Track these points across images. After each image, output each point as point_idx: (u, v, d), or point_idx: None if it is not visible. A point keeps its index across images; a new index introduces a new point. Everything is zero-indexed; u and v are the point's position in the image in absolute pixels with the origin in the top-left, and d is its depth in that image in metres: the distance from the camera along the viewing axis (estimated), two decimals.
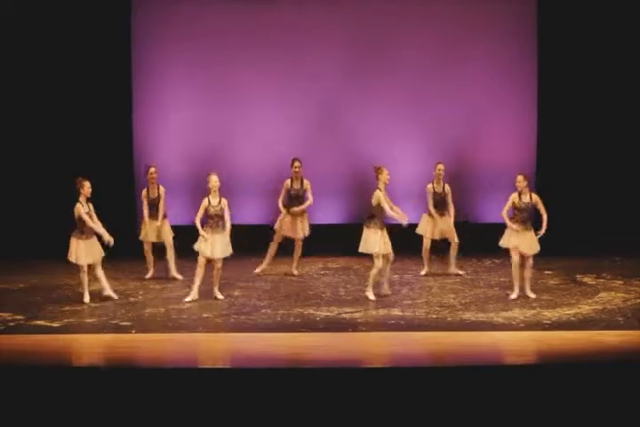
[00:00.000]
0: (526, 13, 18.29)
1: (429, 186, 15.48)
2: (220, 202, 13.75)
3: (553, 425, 9.32)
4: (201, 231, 13.61)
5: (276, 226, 15.54)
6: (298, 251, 15.64)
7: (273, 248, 15.62)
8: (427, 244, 15.45)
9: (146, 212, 15.13)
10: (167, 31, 18.29)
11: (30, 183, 17.56)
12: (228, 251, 13.80)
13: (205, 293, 13.98)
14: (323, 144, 18.20)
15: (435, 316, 12.79)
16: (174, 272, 15.24)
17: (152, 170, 15.21)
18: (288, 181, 15.47)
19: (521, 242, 13.67)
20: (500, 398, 9.48)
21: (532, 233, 13.72)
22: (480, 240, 15.66)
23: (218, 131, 18.36)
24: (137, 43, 18.23)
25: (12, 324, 12.50)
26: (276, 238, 15.59)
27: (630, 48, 17.95)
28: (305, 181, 15.48)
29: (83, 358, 11.37)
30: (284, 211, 15.40)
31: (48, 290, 14.00)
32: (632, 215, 17.82)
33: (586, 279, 15.06)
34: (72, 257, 13.56)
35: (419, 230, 15.55)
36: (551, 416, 9.35)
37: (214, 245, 13.67)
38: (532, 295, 13.73)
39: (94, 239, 13.63)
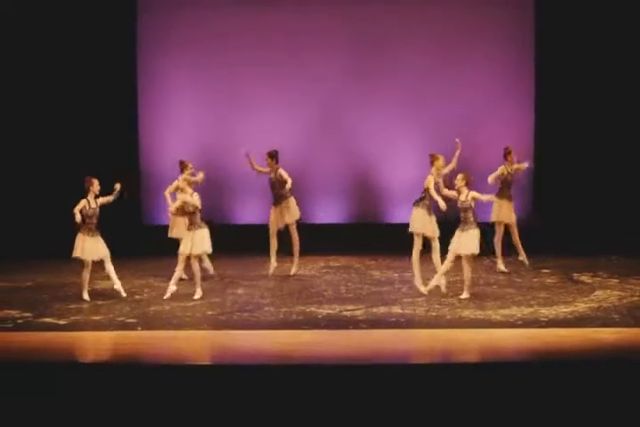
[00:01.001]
0: (524, 17, 18.31)
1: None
2: (192, 196, 13.84)
3: (550, 421, 9.32)
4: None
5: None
6: (294, 236, 15.43)
7: (273, 243, 15.52)
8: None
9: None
10: (172, 35, 18.31)
11: (37, 183, 17.57)
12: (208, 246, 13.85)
13: (208, 291, 14.01)
14: (324, 144, 18.21)
15: (434, 313, 12.79)
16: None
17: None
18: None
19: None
20: (498, 395, 9.48)
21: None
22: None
23: (221, 131, 18.37)
24: (142, 46, 18.26)
25: (20, 321, 12.52)
26: (272, 233, 15.48)
27: (627, 52, 17.95)
28: (279, 171, 15.33)
29: (89, 355, 11.37)
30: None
31: (55, 288, 14.01)
32: (628, 215, 17.82)
33: (582, 278, 15.06)
34: (77, 252, 13.57)
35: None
36: (548, 412, 9.35)
37: (193, 240, 13.73)
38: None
39: (99, 237, 13.65)
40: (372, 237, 17.09)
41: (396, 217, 17.78)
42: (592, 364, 10.21)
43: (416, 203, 13.82)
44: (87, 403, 9.47)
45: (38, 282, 14.67)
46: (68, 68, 17.84)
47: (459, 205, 13.57)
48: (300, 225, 15.62)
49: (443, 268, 13.66)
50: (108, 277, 13.86)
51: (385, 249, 16.38)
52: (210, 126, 18.38)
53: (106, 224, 14.94)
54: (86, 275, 13.64)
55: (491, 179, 15.34)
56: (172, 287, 13.75)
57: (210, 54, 18.34)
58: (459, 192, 13.59)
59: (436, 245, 13.88)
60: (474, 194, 13.48)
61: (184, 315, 12.83)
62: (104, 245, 13.68)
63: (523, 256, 15.50)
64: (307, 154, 16.99)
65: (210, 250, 13.85)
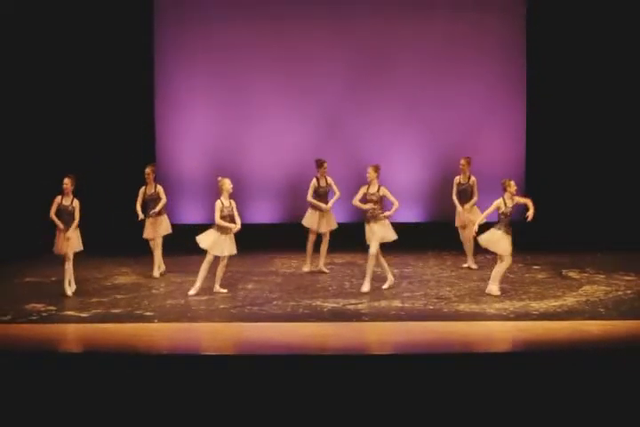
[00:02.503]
0: (515, 29, 18.26)
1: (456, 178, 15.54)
2: (230, 204, 13.72)
3: (541, 407, 9.31)
4: (227, 225, 13.55)
5: (309, 224, 15.40)
6: (325, 245, 15.31)
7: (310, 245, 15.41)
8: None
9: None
10: (186, 46, 18.30)
11: (61, 184, 17.55)
12: (234, 250, 13.75)
13: (221, 285, 14.00)
14: (329, 149, 18.16)
15: (432, 307, 12.78)
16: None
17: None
18: (315, 181, 15.31)
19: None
20: (491, 383, 9.48)
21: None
22: (473, 238, 15.57)
23: (232, 136, 18.37)
24: (159, 56, 18.27)
25: (44, 314, 12.53)
26: (312, 236, 15.36)
27: (618, 58, 17.90)
28: (328, 179, 15.29)
29: (109, 346, 11.37)
30: (323, 207, 15.15)
31: (77, 283, 13.99)
32: (612, 215, 17.80)
33: (571, 274, 15.03)
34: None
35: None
36: (538, 399, 9.35)
37: (224, 243, 13.64)
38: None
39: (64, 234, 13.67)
40: None
41: (396, 217, 17.74)
42: (580, 354, 10.22)
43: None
44: (108, 390, 9.47)
45: (62, 277, 14.65)
46: (91, 76, 17.85)
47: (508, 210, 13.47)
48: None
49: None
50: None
51: (386, 247, 16.31)
52: (221, 131, 18.38)
53: (125, 223, 15.04)
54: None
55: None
56: (217, 287, 13.81)
57: (221, 64, 18.32)
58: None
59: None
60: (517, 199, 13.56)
61: (198, 308, 12.83)
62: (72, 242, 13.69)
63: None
64: (311, 160, 16.87)
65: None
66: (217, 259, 13.72)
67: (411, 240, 15.74)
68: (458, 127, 18.34)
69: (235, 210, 13.68)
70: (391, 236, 14.01)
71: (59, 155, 17.60)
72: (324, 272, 15.28)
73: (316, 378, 9.58)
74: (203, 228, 13.89)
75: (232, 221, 13.64)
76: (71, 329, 11.69)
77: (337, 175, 17.88)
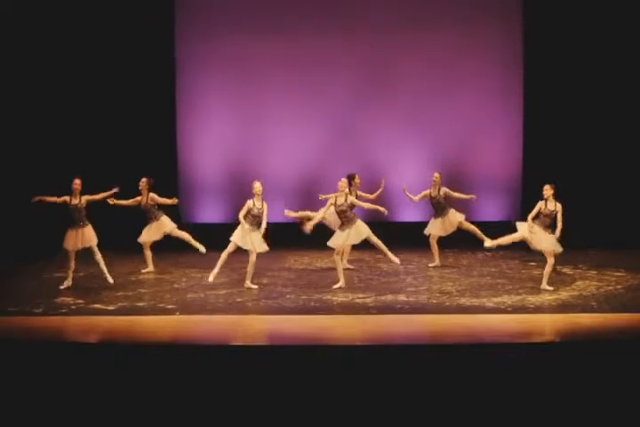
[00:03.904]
0: (513, 40, 18.25)
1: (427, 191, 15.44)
2: (262, 205, 13.71)
3: (537, 395, 9.32)
4: (243, 222, 13.57)
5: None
6: (380, 245, 14.79)
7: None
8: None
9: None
10: (206, 55, 18.38)
11: (91, 184, 17.59)
12: (264, 247, 13.75)
13: (237, 281, 14.04)
14: (338, 154, 18.22)
15: (435, 301, 12.79)
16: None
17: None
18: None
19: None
20: (490, 372, 9.49)
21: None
22: (474, 236, 15.59)
23: (249, 140, 18.42)
24: (180, 64, 18.38)
25: (73, 307, 12.57)
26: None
27: (612, 66, 17.87)
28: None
29: (134, 337, 11.40)
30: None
31: (104, 278, 14.03)
32: (604, 215, 17.78)
33: (565, 270, 15.01)
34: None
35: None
36: (536, 386, 9.36)
37: (251, 239, 13.64)
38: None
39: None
40: (382, 233, 17.04)
41: (402, 217, 17.79)
42: (573, 344, 10.23)
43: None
44: (133, 378, 9.51)
45: (90, 273, 14.70)
46: (118, 85, 17.98)
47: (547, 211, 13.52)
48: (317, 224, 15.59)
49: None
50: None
51: (392, 244, 16.32)
52: (238, 135, 18.44)
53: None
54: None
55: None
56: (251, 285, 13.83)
57: (238, 73, 18.37)
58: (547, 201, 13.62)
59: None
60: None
61: (217, 302, 12.86)
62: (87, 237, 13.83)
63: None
64: (323, 162, 16.98)
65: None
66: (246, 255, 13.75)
67: (415, 238, 15.76)
68: (459, 131, 18.35)
69: (264, 212, 13.64)
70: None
71: (86, 157, 17.68)
72: (349, 269, 15.22)
73: (325, 367, 9.59)
74: (220, 227, 13.90)
75: (259, 221, 13.64)
76: (99, 321, 11.72)
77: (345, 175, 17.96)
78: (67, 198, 13.82)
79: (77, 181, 13.84)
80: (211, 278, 13.88)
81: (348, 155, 18.19)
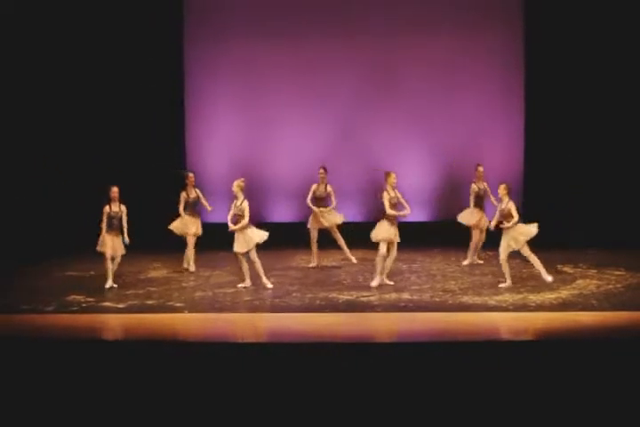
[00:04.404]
0: (514, 44, 18.27)
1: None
2: (241, 204, 13.58)
3: (538, 392, 9.32)
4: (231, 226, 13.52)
5: (309, 224, 15.43)
6: (339, 238, 15.37)
7: (314, 244, 15.46)
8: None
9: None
10: (214, 59, 18.47)
11: (102, 185, 17.66)
12: (240, 248, 13.55)
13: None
14: (342, 154, 18.24)
15: (438, 299, 12.79)
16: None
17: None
18: (315, 186, 15.41)
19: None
20: (492, 369, 9.48)
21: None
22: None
23: (256, 142, 18.47)
24: (188, 69, 18.47)
25: (84, 305, 12.60)
26: (313, 235, 15.46)
27: (611, 71, 17.88)
28: (329, 187, 15.35)
29: (143, 334, 11.41)
30: (315, 209, 15.23)
31: (114, 277, 14.03)
32: (604, 215, 17.78)
33: (565, 269, 15.01)
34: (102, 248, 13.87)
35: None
36: (538, 383, 9.35)
37: (246, 239, 13.61)
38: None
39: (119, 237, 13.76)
40: None
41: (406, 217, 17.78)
42: (573, 342, 10.22)
43: None
44: (144, 375, 9.52)
45: (100, 271, 14.70)
46: (128, 89, 18.13)
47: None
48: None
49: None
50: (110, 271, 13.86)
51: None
52: (245, 137, 18.50)
53: (159, 221, 15.07)
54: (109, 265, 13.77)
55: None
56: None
57: (244, 76, 18.46)
58: (500, 201, 13.62)
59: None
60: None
61: (225, 300, 12.87)
62: (121, 246, 13.79)
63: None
64: (328, 163, 16.88)
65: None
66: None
67: (419, 238, 15.77)
68: (461, 133, 18.37)
69: (242, 211, 13.49)
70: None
71: (95, 159, 17.75)
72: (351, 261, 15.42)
73: (330, 364, 9.59)
74: (227, 226, 13.88)
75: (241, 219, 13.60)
76: (109, 319, 11.74)
77: (349, 177, 18.01)
78: (106, 208, 13.72)
79: (115, 189, 13.76)
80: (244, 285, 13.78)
81: (352, 156, 18.22)
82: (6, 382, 9.40)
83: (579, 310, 11.92)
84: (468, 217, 15.47)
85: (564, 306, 12.23)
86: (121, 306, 12.47)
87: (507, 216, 13.52)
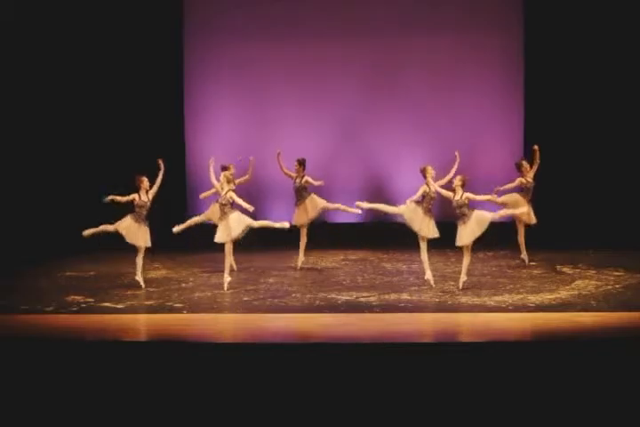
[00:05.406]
0: (514, 46, 18.29)
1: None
2: (226, 193, 13.45)
3: (538, 392, 9.31)
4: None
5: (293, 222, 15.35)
6: (303, 239, 15.20)
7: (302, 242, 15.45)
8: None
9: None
10: (214, 58, 18.49)
11: (100, 183, 17.63)
12: (225, 237, 13.37)
13: (244, 280, 14.03)
14: (343, 155, 18.25)
15: (437, 300, 12.78)
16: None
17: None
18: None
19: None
20: (491, 369, 9.48)
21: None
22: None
23: (256, 141, 18.43)
24: (188, 67, 18.50)
25: (83, 305, 12.58)
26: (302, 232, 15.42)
27: (611, 67, 17.88)
28: (305, 177, 15.11)
29: (142, 335, 11.41)
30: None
31: (113, 277, 14.05)
32: (603, 216, 17.78)
33: (564, 269, 15.00)
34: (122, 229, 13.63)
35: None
36: (537, 383, 9.34)
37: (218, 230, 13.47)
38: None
39: (145, 227, 13.59)
40: (385, 234, 17.08)
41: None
42: (573, 342, 10.20)
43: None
44: (141, 375, 9.51)
45: (99, 272, 14.72)
46: (128, 87, 18.18)
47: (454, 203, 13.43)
48: (323, 224, 15.59)
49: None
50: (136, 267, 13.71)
51: (395, 244, 16.38)
52: (245, 138, 18.48)
53: (155, 219, 15.00)
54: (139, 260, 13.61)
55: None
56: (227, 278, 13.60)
57: (245, 76, 18.48)
58: (454, 192, 13.46)
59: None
60: (468, 195, 13.33)
61: (223, 300, 12.86)
62: (145, 237, 13.59)
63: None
64: (328, 163, 17.00)
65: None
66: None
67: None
68: (461, 134, 18.36)
69: (228, 200, 13.41)
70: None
71: (96, 158, 17.74)
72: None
73: (330, 365, 9.58)
74: None
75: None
76: (108, 319, 11.72)
77: (349, 177, 18.03)
78: (135, 196, 13.61)
79: (145, 179, 13.63)
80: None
81: (353, 157, 18.22)
82: (6, 383, 9.39)
83: (578, 311, 11.91)
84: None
85: (563, 306, 12.21)
86: (120, 306, 12.45)
87: (462, 207, 13.33)
